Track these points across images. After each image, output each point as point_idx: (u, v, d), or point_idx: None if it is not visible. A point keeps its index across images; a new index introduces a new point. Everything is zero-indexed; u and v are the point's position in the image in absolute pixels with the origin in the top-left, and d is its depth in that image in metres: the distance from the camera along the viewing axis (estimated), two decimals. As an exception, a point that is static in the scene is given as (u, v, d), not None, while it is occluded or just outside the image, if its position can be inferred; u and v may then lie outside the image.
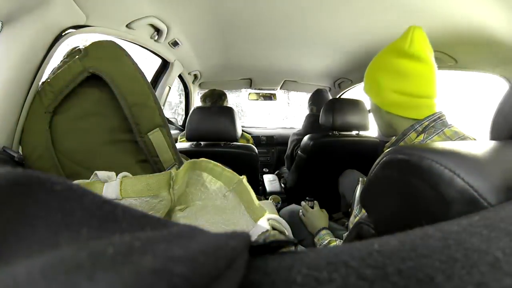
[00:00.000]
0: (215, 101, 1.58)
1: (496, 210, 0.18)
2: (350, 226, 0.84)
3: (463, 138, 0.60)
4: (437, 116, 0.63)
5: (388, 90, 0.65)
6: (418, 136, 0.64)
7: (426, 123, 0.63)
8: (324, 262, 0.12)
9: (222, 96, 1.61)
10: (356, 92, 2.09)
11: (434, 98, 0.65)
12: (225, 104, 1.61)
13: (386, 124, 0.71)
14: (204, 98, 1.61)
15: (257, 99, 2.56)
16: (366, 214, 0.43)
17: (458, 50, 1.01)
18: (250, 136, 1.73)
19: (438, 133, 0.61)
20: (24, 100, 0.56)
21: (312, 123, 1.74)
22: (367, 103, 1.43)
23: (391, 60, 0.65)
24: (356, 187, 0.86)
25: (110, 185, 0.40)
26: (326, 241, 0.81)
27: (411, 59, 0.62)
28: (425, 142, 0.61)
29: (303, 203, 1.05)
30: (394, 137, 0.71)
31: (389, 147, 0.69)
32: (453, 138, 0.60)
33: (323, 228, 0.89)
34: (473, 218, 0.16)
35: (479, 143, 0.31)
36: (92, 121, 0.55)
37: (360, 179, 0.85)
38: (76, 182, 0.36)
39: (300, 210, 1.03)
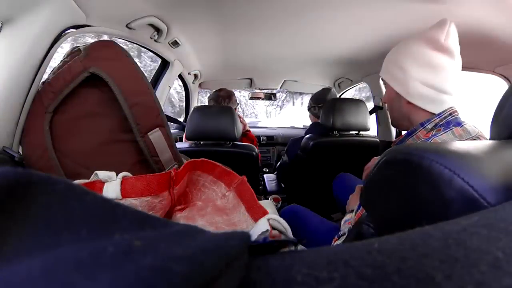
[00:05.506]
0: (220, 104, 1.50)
1: (496, 210, 0.18)
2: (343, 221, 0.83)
3: (475, 137, 0.58)
4: (448, 112, 0.61)
5: (416, 81, 0.62)
6: (427, 134, 0.62)
7: (437, 120, 0.61)
8: (324, 261, 0.12)
9: (226, 99, 1.50)
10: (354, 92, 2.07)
11: (455, 96, 0.63)
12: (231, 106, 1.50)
13: (402, 115, 0.68)
14: (209, 100, 1.55)
15: (257, 99, 2.57)
16: (366, 213, 0.43)
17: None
18: (254, 136, 1.68)
19: (446, 131, 0.59)
20: (24, 100, 0.56)
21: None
22: (367, 104, 1.45)
23: (424, 51, 0.61)
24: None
25: (110, 185, 0.40)
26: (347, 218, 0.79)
27: (445, 53, 0.60)
28: (431, 140, 0.60)
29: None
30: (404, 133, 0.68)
31: (397, 144, 0.68)
32: (463, 138, 0.58)
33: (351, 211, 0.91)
34: (473, 218, 0.16)
35: (479, 143, 0.31)
36: (92, 121, 0.55)
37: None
38: (76, 182, 0.36)
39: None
